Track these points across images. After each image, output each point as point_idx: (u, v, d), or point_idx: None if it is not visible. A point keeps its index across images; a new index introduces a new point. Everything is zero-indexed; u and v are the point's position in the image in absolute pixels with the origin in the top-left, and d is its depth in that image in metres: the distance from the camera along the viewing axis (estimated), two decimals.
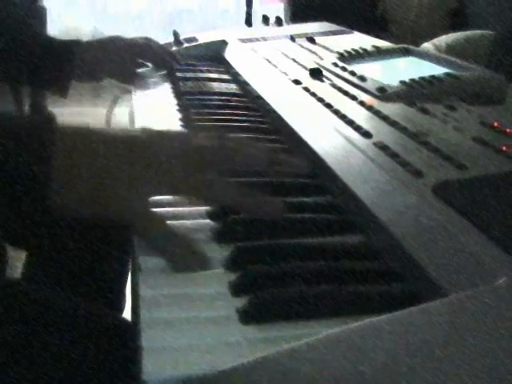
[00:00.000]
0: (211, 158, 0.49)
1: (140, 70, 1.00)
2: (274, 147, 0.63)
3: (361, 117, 0.66)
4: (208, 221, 0.51)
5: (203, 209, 0.52)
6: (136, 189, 0.46)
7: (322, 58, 0.95)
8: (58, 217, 0.46)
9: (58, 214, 0.46)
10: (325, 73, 0.86)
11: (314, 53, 1.01)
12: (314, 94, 0.77)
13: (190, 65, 1.07)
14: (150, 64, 1.02)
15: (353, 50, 0.95)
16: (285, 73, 0.89)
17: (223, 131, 0.57)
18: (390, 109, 0.68)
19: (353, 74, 0.82)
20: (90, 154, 0.46)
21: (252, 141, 0.63)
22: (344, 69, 0.85)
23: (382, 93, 0.72)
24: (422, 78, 0.74)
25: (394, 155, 0.55)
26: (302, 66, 0.92)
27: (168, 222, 0.48)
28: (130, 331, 0.42)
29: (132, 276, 0.46)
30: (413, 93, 0.71)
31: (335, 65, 0.88)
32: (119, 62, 0.93)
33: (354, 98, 0.74)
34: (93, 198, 0.45)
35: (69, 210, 0.46)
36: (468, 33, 2.43)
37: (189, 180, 0.48)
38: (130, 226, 0.48)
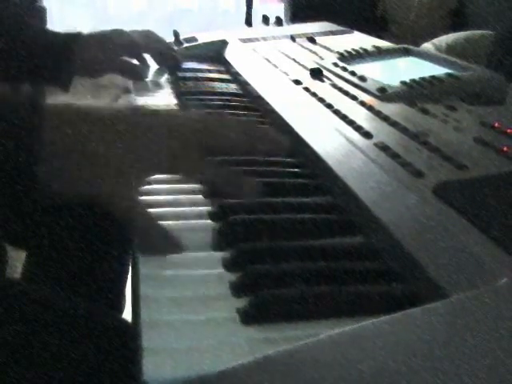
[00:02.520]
0: (194, 137, 0.49)
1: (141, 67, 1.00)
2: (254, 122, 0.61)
3: (361, 117, 0.66)
4: (208, 221, 0.51)
5: (204, 209, 0.52)
6: (120, 168, 0.46)
7: (322, 58, 0.95)
8: (46, 201, 0.46)
9: (45, 198, 0.46)
10: (325, 73, 0.86)
11: (314, 53, 1.01)
12: (314, 94, 0.76)
13: (190, 65, 1.07)
14: (152, 58, 1.02)
15: (353, 50, 0.96)
16: (285, 73, 0.89)
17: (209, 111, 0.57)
18: (390, 109, 0.68)
19: (353, 74, 0.82)
20: (73, 133, 0.46)
21: (235, 119, 0.62)
22: (344, 69, 0.85)
23: (383, 93, 0.72)
24: (423, 79, 0.74)
25: (394, 155, 0.55)
26: (302, 65, 0.92)
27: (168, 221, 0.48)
28: (130, 331, 0.42)
29: (132, 276, 0.46)
30: (413, 93, 0.71)
31: (335, 65, 0.88)
32: (120, 55, 0.93)
33: (354, 98, 0.73)
34: (78, 179, 0.45)
35: (55, 192, 0.46)
36: (468, 33, 2.43)
37: (172, 158, 0.48)
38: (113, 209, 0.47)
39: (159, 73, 1.01)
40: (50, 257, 0.86)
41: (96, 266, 0.86)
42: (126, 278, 0.92)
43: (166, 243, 0.46)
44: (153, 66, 1.02)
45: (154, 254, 0.45)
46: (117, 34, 0.93)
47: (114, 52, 0.91)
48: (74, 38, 0.88)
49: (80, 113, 0.48)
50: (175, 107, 0.83)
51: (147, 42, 0.99)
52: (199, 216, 0.51)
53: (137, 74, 0.96)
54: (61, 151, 0.45)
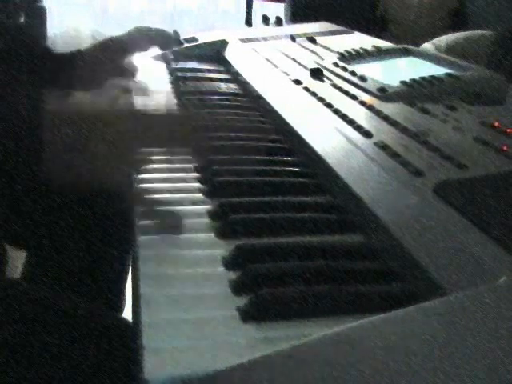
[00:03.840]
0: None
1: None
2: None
3: (361, 117, 0.66)
4: (208, 220, 0.51)
5: (204, 208, 0.52)
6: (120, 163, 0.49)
7: (322, 58, 0.95)
8: (49, 189, 0.48)
9: (48, 186, 0.48)
10: (325, 73, 0.86)
11: (314, 53, 1.01)
12: (314, 94, 0.77)
13: (190, 65, 1.07)
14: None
15: (353, 50, 0.96)
16: (285, 73, 0.89)
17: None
18: (390, 109, 0.68)
19: (353, 74, 0.82)
20: (74, 132, 0.48)
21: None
22: (344, 69, 0.85)
23: (383, 93, 0.72)
24: (423, 78, 0.74)
25: (394, 155, 0.55)
26: (302, 65, 0.92)
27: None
28: (131, 331, 0.42)
29: (132, 276, 0.46)
30: (413, 93, 0.71)
31: (336, 65, 0.88)
32: (118, 61, 0.93)
33: (354, 97, 0.74)
34: (80, 168, 0.48)
35: (58, 181, 0.48)
36: (468, 33, 2.43)
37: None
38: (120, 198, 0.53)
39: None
40: (50, 257, 0.86)
41: (96, 266, 0.86)
42: (126, 277, 0.92)
43: (167, 218, 0.50)
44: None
45: (157, 230, 0.48)
46: (110, 41, 0.93)
47: (111, 60, 0.91)
48: (72, 55, 0.88)
49: (80, 113, 0.49)
50: (175, 107, 0.83)
51: (138, 38, 0.98)
52: (199, 215, 0.51)
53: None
54: (62, 150, 0.47)
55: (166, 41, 1.00)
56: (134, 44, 0.95)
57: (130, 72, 0.95)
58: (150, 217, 0.50)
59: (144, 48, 0.98)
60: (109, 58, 0.90)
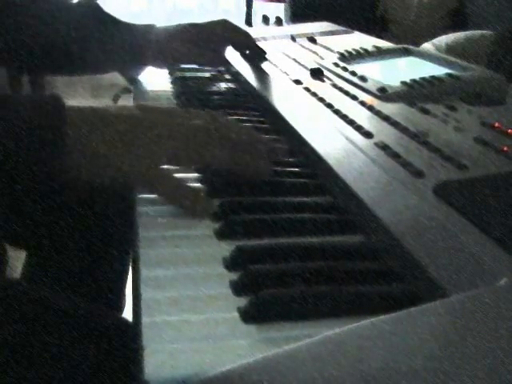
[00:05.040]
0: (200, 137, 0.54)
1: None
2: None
3: (362, 117, 0.66)
4: (208, 220, 0.51)
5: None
6: (137, 157, 0.51)
7: (322, 58, 0.95)
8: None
9: (71, 181, 0.50)
10: (325, 73, 0.86)
11: (314, 53, 1.01)
12: (314, 94, 0.77)
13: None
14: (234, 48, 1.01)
15: (353, 50, 0.95)
16: (285, 73, 0.89)
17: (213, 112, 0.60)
18: (390, 109, 0.68)
19: (353, 74, 0.82)
20: (95, 128, 0.51)
21: (240, 125, 0.65)
22: (345, 69, 0.85)
23: (383, 93, 0.72)
24: (423, 79, 0.74)
25: (394, 155, 0.55)
26: (302, 65, 0.92)
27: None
28: (131, 331, 0.42)
29: (132, 276, 0.46)
30: (413, 93, 0.71)
31: (336, 65, 0.88)
32: (197, 47, 0.93)
33: (354, 98, 0.74)
34: (100, 166, 0.50)
35: (80, 177, 0.50)
36: (468, 33, 2.43)
37: (180, 151, 0.53)
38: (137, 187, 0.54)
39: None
40: (50, 257, 0.86)
41: (96, 266, 0.86)
42: (126, 277, 0.92)
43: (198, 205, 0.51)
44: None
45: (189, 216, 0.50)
46: (189, 26, 0.93)
47: (188, 44, 0.91)
48: (147, 29, 0.89)
49: (97, 114, 0.52)
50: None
51: (225, 32, 0.97)
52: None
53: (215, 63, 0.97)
54: (81, 148, 0.49)
55: (247, 44, 0.99)
56: (216, 36, 0.95)
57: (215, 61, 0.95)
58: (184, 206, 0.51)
59: (224, 44, 0.98)
60: (186, 39, 0.90)
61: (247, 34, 1.00)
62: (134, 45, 0.87)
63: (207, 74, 1.02)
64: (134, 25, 0.90)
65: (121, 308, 0.92)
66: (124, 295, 0.93)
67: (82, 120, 0.50)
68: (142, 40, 0.88)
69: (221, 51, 0.98)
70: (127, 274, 0.92)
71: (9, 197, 0.49)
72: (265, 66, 0.97)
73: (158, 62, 0.92)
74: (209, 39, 0.94)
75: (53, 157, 0.48)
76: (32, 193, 0.47)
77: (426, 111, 0.66)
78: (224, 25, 0.97)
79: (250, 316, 0.38)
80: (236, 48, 1.00)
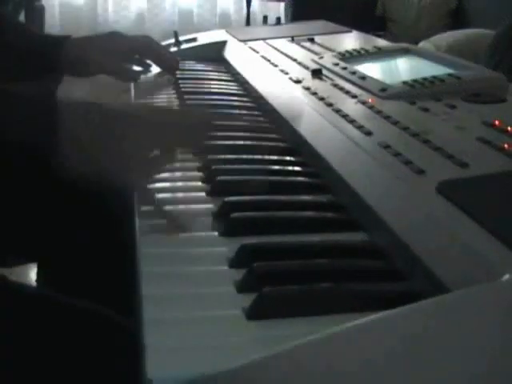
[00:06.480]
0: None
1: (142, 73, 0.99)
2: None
3: (362, 116, 0.66)
4: (211, 219, 0.51)
5: (207, 207, 0.52)
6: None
7: (322, 58, 0.95)
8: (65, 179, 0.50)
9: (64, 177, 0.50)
10: (325, 72, 0.85)
11: (314, 52, 1.01)
12: (314, 94, 0.76)
13: (190, 65, 1.07)
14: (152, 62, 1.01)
15: (353, 49, 0.95)
16: (285, 72, 0.89)
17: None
18: (391, 108, 0.68)
19: (354, 73, 0.81)
20: (87, 123, 0.50)
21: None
22: (345, 68, 0.85)
23: (384, 92, 0.72)
24: (423, 78, 0.74)
25: (396, 154, 0.55)
26: (302, 65, 0.92)
27: None
28: (134, 330, 0.42)
29: (134, 275, 0.46)
30: (414, 92, 0.71)
31: (336, 64, 0.88)
32: (113, 57, 0.92)
33: (355, 97, 0.73)
34: (92, 160, 0.50)
35: (72, 172, 0.50)
36: (468, 32, 2.43)
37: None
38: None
39: (162, 74, 1.01)
40: (50, 257, 0.86)
41: (97, 266, 0.86)
42: (128, 277, 0.92)
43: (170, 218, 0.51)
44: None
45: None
46: (113, 35, 0.93)
47: (106, 53, 0.91)
48: (62, 38, 0.88)
49: (94, 109, 0.52)
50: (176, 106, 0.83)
51: (145, 45, 0.97)
52: (202, 214, 0.51)
53: (127, 77, 0.96)
54: (80, 143, 0.49)
55: (165, 61, 0.98)
56: (136, 47, 0.95)
57: (125, 74, 0.95)
58: (152, 216, 0.50)
59: (144, 57, 0.97)
60: (104, 48, 0.90)
61: (167, 49, 1.03)
62: (44, 54, 0.87)
63: (207, 74, 1.02)
64: (46, 35, 0.90)
65: (123, 308, 0.92)
66: (126, 295, 0.93)
67: (74, 115, 0.50)
68: (52, 50, 0.87)
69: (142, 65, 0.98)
70: (129, 273, 0.91)
71: (11, 200, 0.49)
72: (265, 66, 0.97)
73: (73, 71, 0.91)
74: (129, 51, 0.94)
75: (48, 152, 0.48)
76: (34, 195, 0.47)
77: (426, 110, 0.66)
78: (148, 40, 0.97)
79: (254, 314, 0.38)
80: (155, 62, 1.00)
